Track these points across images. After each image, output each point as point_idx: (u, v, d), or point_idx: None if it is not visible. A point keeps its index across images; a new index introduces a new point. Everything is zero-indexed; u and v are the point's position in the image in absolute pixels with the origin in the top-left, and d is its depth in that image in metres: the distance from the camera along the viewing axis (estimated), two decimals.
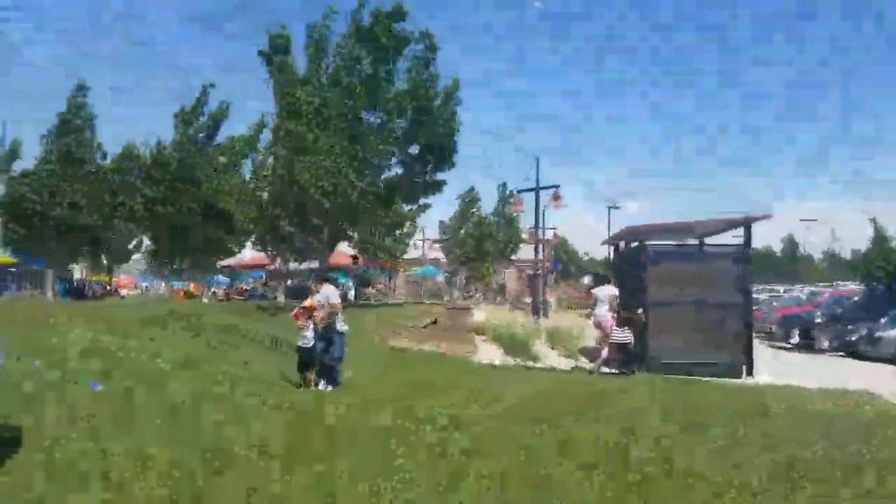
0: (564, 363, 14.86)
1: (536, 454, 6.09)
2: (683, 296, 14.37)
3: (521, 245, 47.65)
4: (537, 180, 27.14)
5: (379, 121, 19.93)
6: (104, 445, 5.11)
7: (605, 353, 13.38)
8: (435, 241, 50.08)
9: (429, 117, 19.53)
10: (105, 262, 41.21)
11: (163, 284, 40.59)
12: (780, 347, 21.59)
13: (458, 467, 5.45)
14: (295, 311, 10.05)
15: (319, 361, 9.77)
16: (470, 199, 46.27)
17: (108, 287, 41.97)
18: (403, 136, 19.77)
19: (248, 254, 41.35)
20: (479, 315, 19.33)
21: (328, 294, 9.88)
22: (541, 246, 28.53)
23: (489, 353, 15.37)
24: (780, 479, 5.63)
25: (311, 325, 9.55)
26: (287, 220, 22.57)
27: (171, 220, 28.11)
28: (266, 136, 21.69)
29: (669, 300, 14.43)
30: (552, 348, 16.44)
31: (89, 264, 45.87)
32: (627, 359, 13.36)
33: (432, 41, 19.92)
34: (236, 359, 11.02)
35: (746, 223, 14.75)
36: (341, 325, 9.96)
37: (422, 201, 24.81)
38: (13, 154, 31.86)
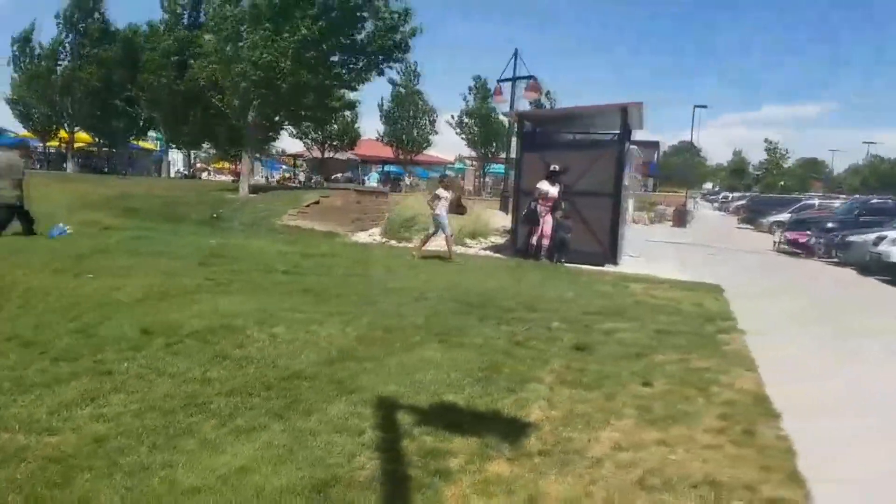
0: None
1: None
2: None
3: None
4: (514, 70, 26.44)
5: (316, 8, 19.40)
6: None
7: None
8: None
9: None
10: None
11: None
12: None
13: None
14: None
15: None
16: (480, 86, 44.64)
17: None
18: (343, 22, 19.25)
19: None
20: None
21: None
22: None
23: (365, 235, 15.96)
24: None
25: None
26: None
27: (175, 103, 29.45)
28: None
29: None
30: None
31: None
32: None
33: None
34: None
35: (623, 109, 14.07)
36: None
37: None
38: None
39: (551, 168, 13.51)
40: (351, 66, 20.08)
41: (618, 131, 14.33)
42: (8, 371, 4.45)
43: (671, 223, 31.99)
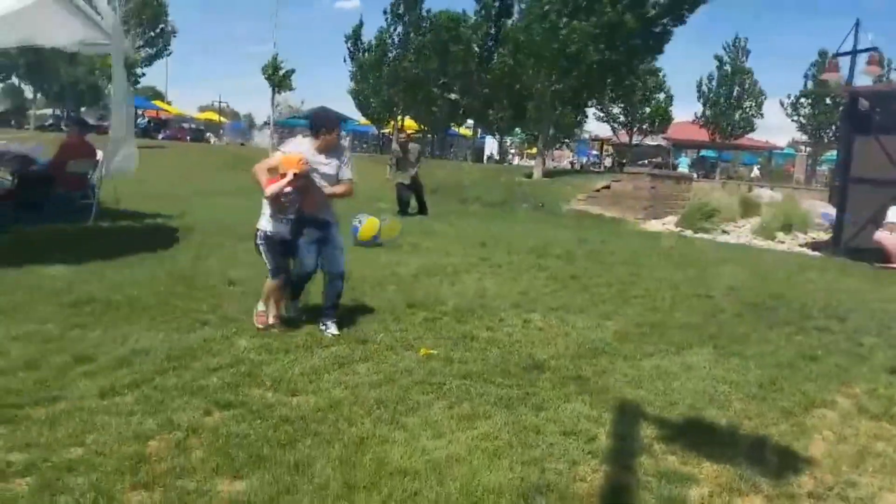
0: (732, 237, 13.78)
1: None
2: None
3: None
4: (854, 43, 22.39)
5: None
6: None
7: None
8: None
9: None
10: None
11: None
12: None
13: None
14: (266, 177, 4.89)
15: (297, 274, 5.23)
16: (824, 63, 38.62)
17: None
18: None
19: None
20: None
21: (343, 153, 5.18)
22: None
23: (658, 224, 15.00)
24: None
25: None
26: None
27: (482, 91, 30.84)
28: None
29: (877, 178, 12.10)
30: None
31: None
32: None
33: None
34: None
35: None
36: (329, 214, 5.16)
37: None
38: None
39: None
40: (649, 34, 18.97)
41: None
42: (282, 334, 4.86)
43: None
